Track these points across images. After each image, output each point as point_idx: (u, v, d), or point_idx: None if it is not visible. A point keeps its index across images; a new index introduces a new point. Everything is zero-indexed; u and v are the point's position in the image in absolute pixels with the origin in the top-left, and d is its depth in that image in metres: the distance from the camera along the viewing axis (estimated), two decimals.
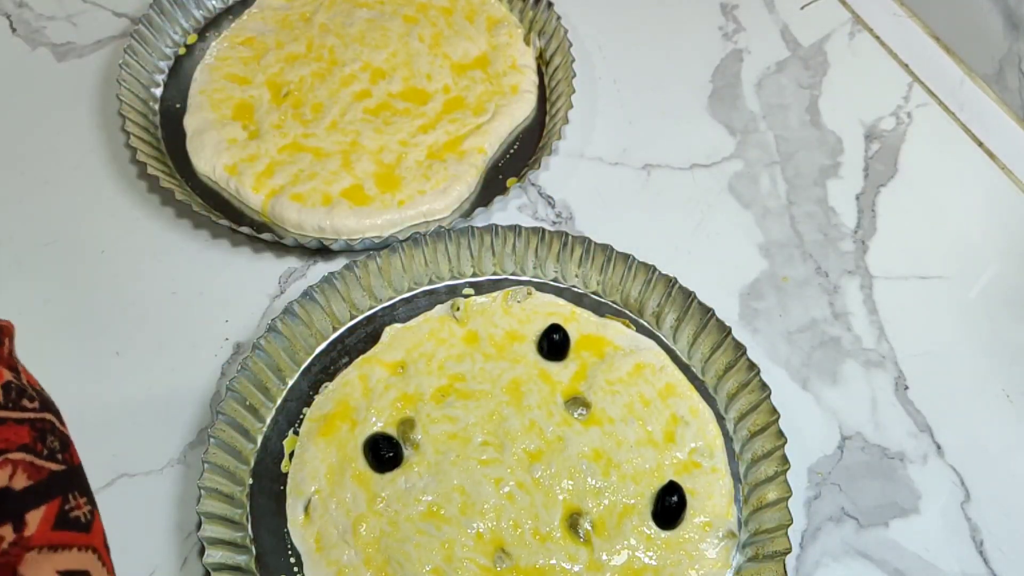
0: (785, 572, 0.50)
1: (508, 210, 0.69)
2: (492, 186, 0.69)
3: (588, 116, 0.75)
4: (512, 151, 0.72)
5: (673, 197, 0.70)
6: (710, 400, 0.58)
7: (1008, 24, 0.70)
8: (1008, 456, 0.58)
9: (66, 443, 0.33)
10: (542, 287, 0.63)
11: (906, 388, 0.61)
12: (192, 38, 0.78)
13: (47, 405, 0.33)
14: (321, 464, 0.55)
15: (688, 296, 0.60)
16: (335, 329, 0.61)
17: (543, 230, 0.62)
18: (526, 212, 0.69)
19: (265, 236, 0.64)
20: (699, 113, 0.76)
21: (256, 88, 0.73)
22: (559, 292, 0.63)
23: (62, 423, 0.34)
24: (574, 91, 0.72)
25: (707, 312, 0.59)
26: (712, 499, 0.54)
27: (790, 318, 0.64)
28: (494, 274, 0.64)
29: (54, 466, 0.31)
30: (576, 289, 0.64)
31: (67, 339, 0.62)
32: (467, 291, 0.63)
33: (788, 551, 0.51)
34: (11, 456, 0.30)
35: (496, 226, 0.63)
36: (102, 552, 0.32)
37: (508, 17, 0.79)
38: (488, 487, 0.54)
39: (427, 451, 0.55)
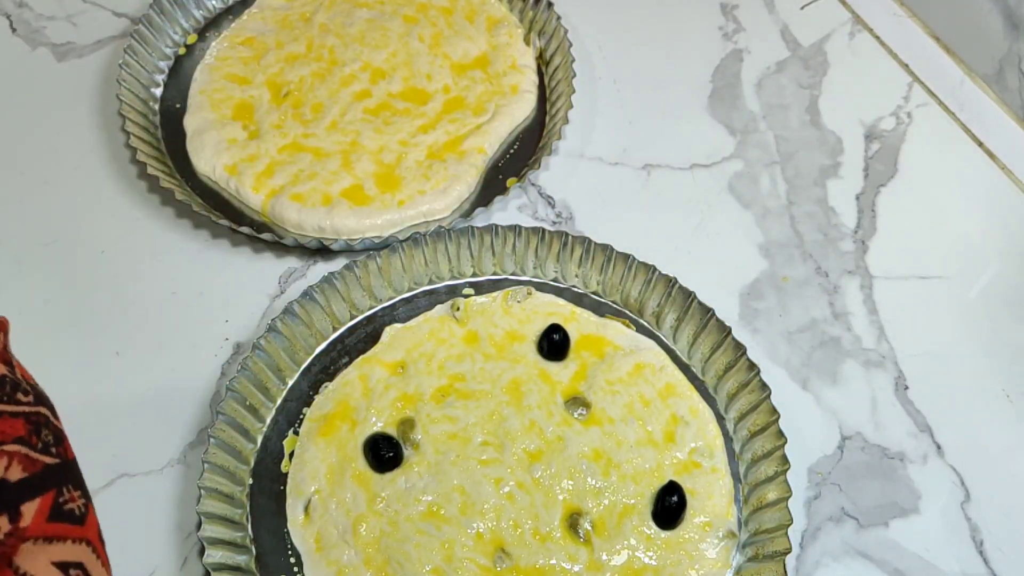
0: (785, 572, 0.50)
1: (508, 210, 0.69)
2: (492, 186, 0.69)
3: (588, 116, 0.75)
4: (512, 151, 0.72)
5: (673, 197, 0.70)
6: (710, 400, 0.58)
7: (1008, 24, 0.70)
8: (1008, 456, 0.58)
9: (60, 437, 0.33)
10: (542, 287, 0.63)
11: (906, 388, 0.61)
12: (192, 38, 0.78)
13: (41, 399, 0.33)
14: (321, 464, 0.55)
15: (688, 296, 0.60)
16: (335, 329, 0.61)
17: (543, 230, 0.62)
18: (526, 212, 0.69)
19: (265, 236, 0.64)
20: (699, 113, 0.76)
21: (256, 88, 0.73)
22: (559, 292, 0.63)
23: (56, 417, 0.34)
24: (574, 91, 0.72)
25: (707, 312, 0.59)
26: (712, 499, 0.54)
27: (790, 318, 0.64)
28: (494, 274, 0.64)
29: (48, 459, 0.31)
30: (576, 289, 0.64)
31: (67, 339, 0.62)
32: (467, 291, 0.63)
33: (788, 551, 0.51)
34: (6, 448, 0.30)
35: (496, 226, 0.63)
36: (96, 545, 0.32)
37: (508, 17, 0.79)
38: (488, 487, 0.54)
39: (427, 451, 0.55)
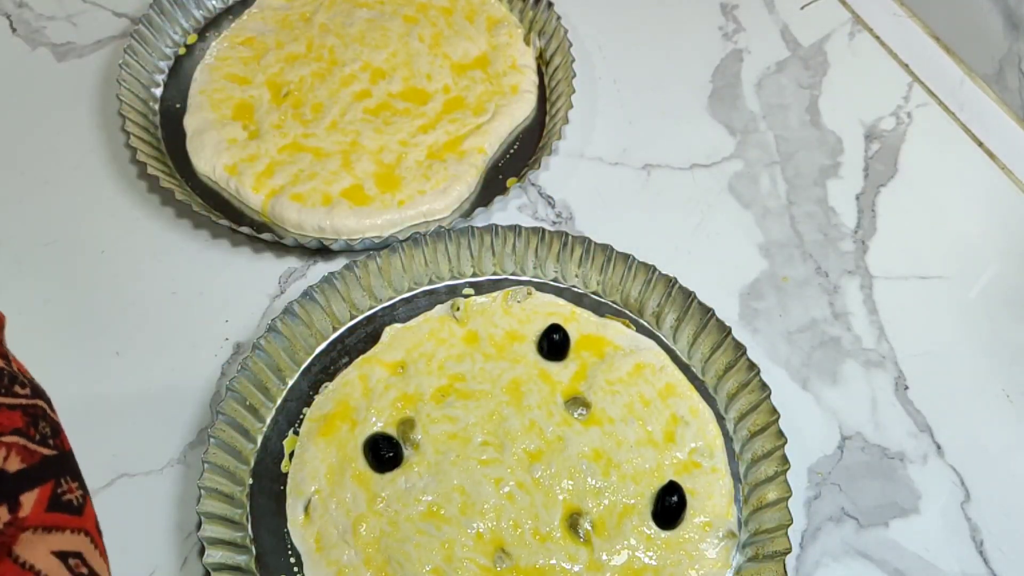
0: (785, 572, 0.50)
1: (508, 210, 0.69)
2: (492, 186, 0.69)
3: (588, 116, 0.75)
4: (512, 151, 0.72)
5: (673, 197, 0.70)
6: (710, 400, 0.58)
7: (1008, 24, 0.70)
8: (1008, 456, 0.58)
9: (57, 429, 0.33)
10: (542, 287, 0.63)
11: (906, 388, 0.61)
12: (192, 38, 0.78)
13: (38, 392, 0.33)
14: (321, 464, 0.55)
15: (688, 296, 0.60)
16: (335, 329, 0.61)
17: (543, 230, 0.62)
18: (526, 212, 0.69)
19: (265, 236, 0.64)
20: (699, 113, 0.76)
21: (256, 88, 0.73)
22: (559, 292, 0.63)
23: (52, 410, 0.34)
24: (574, 91, 0.72)
25: (707, 312, 0.59)
26: (712, 499, 0.54)
27: (790, 318, 0.64)
28: (494, 274, 0.64)
29: (46, 451, 0.32)
30: (576, 289, 0.64)
31: (67, 339, 0.62)
32: (467, 291, 0.63)
33: (788, 551, 0.51)
34: (4, 439, 0.30)
35: (496, 226, 0.63)
36: (94, 535, 0.32)
37: (508, 17, 0.79)
38: (488, 487, 0.54)
39: (427, 451, 0.55)
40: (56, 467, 0.32)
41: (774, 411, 0.55)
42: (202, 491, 0.52)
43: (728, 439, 0.57)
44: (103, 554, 0.32)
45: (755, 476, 0.55)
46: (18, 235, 0.67)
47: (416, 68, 0.74)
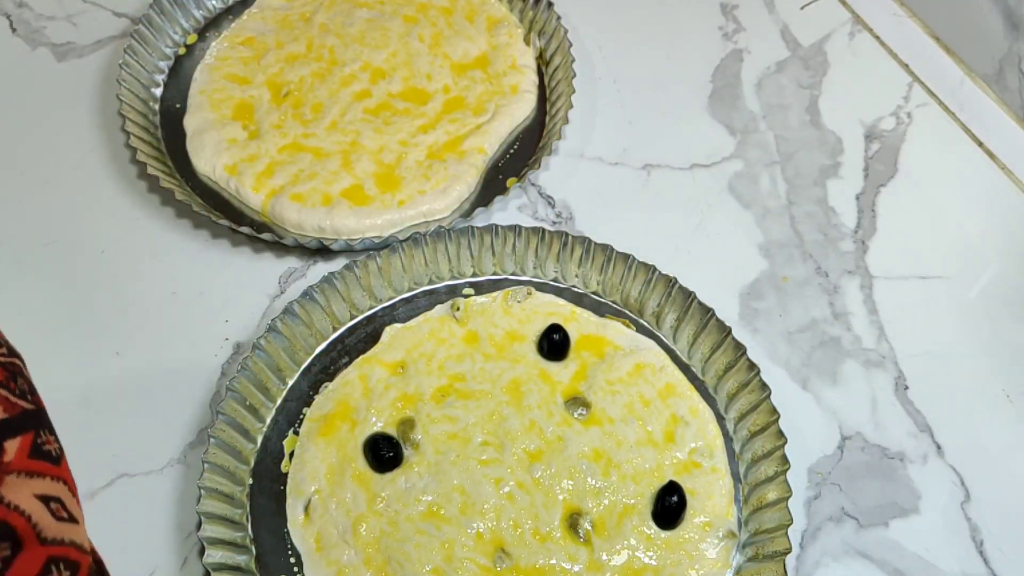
0: (785, 572, 0.50)
1: (508, 210, 0.69)
2: (492, 186, 0.69)
3: (588, 116, 0.75)
4: (512, 151, 0.72)
5: (673, 197, 0.70)
6: (710, 400, 0.58)
7: (1008, 24, 0.70)
8: (1008, 456, 0.58)
9: (32, 388, 0.34)
10: (542, 287, 0.63)
11: (906, 388, 0.61)
12: (192, 38, 0.78)
13: (13, 352, 0.35)
14: (321, 464, 0.55)
15: (688, 296, 0.60)
16: (335, 329, 0.61)
17: (543, 230, 0.62)
18: (526, 212, 0.69)
19: (265, 236, 0.64)
20: (699, 113, 0.76)
21: (256, 88, 0.73)
22: (559, 292, 0.63)
23: (26, 370, 0.35)
24: (574, 91, 0.72)
25: (707, 312, 0.59)
26: (712, 499, 0.54)
27: (790, 318, 0.64)
28: (494, 274, 0.64)
29: (26, 404, 0.33)
30: (576, 289, 0.64)
31: (67, 339, 0.62)
32: (467, 291, 0.63)
33: (788, 551, 0.51)
34: None
35: (496, 226, 0.63)
36: (71, 485, 0.33)
37: (508, 17, 0.79)
38: (488, 487, 0.54)
39: (427, 451, 0.55)
40: (35, 420, 0.33)
41: (774, 411, 0.55)
42: (202, 491, 0.52)
43: (728, 439, 0.57)
44: (78, 504, 0.33)
45: (755, 476, 0.55)
46: (18, 235, 0.67)
47: (416, 68, 0.74)
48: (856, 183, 0.71)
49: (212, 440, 0.54)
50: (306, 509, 0.54)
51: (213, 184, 0.69)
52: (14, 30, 0.80)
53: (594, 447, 0.55)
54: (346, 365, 0.59)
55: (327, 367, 0.60)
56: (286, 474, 0.55)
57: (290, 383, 0.59)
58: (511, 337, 0.60)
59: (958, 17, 0.76)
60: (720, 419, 0.58)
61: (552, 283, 0.64)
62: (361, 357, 0.60)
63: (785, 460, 0.54)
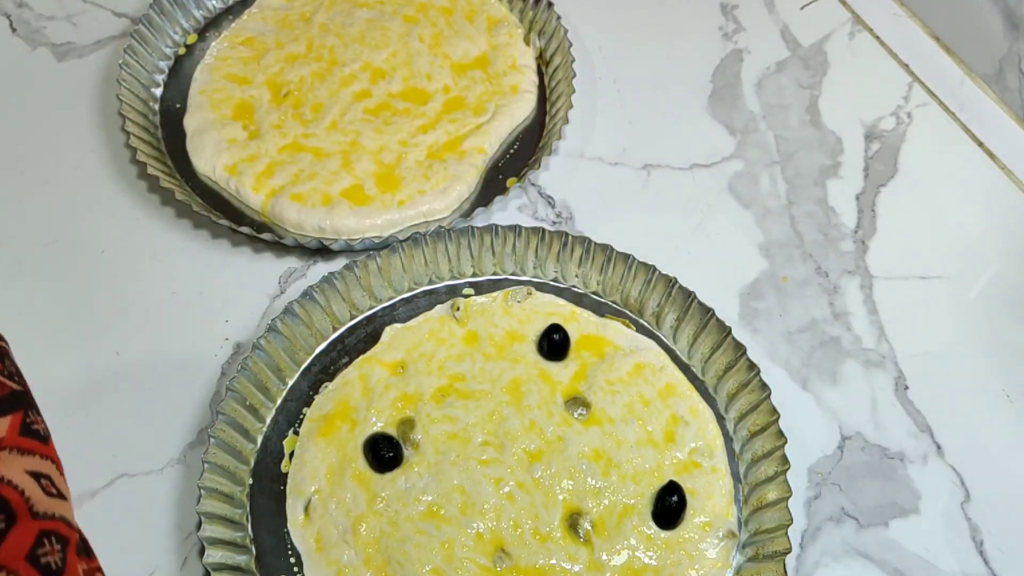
0: (785, 572, 0.50)
1: (508, 210, 0.69)
2: (492, 186, 0.69)
3: (588, 116, 0.75)
4: (512, 151, 0.72)
5: (673, 197, 0.70)
6: (710, 400, 0.58)
7: (1008, 24, 0.70)
8: (1008, 456, 0.58)
9: (18, 370, 0.35)
10: (542, 287, 0.63)
11: (906, 388, 0.61)
12: (192, 38, 0.78)
13: None
14: (321, 464, 0.55)
15: (688, 296, 0.60)
16: (335, 329, 0.61)
17: (543, 230, 0.62)
18: (526, 212, 0.69)
19: (265, 236, 0.64)
20: (699, 113, 0.76)
21: (256, 88, 0.73)
22: (559, 292, 0.63)
23: (11, 352, 0.36)
24: (574, 91, 0.72)
25: (707, 312, 0.59)
26: (712, 499, 0.54)
27: (790, 318, 0.64)
28: (494, 274, 0.64)
29: (14, 385, 0.34)
30: (576, 289, 0.64)
31: (67, 339, 0.62)
32: (467, 291, 0.63)
33: (788, 551, 0.51)
34: None
35: (496, 226, 0.63)
36: (58, 464, 0.34)
37: (508, 17, 0.79)
38: (488, 487, 0.54)
39: (427, 451, 0.55)
40: (23, 401, 0.34)
41: (774, 411, 0.55)
42: (202, 491, 0.52)
43: (728, 439, 0.57)
44: (65, 482, 0.34)
45: (755, 476, 0.55)
46: (18, 235, 0.67)
47: (416, 68, 0.74)
48: (856, 183, 0.71)
49: (212, 440, 0.54)
50: (306, 509, 0.54)
51: (213, 184, 0.69)
52: (14, 30, 0.80)
53: (594, 447, 0.55)
54: (346, 365, 0.59)
55: (327, 367, 0.60)
56: (286, 474, 0.55)
57: (290, 383, 0.59)
58: (511, 337, 0.60)
59: (958, 17, 0.76)
60: (720, 419, 0.58)
61: (552, 283, 0.64)
62: (361, 357, 0.60)
63: (785, 460, 0.54)
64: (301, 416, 0.58)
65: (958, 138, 0.74)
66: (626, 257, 0.61)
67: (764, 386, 0.56)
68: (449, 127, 0.71)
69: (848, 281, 0.66)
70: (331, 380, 0.59)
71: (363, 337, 0.61)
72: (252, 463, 0.56)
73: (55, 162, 0.71)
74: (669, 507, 0.53)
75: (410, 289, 0.63)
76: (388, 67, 0.74)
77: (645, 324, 0.62)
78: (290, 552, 0.53)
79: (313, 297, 0.60)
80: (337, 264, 0.65)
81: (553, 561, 0.52)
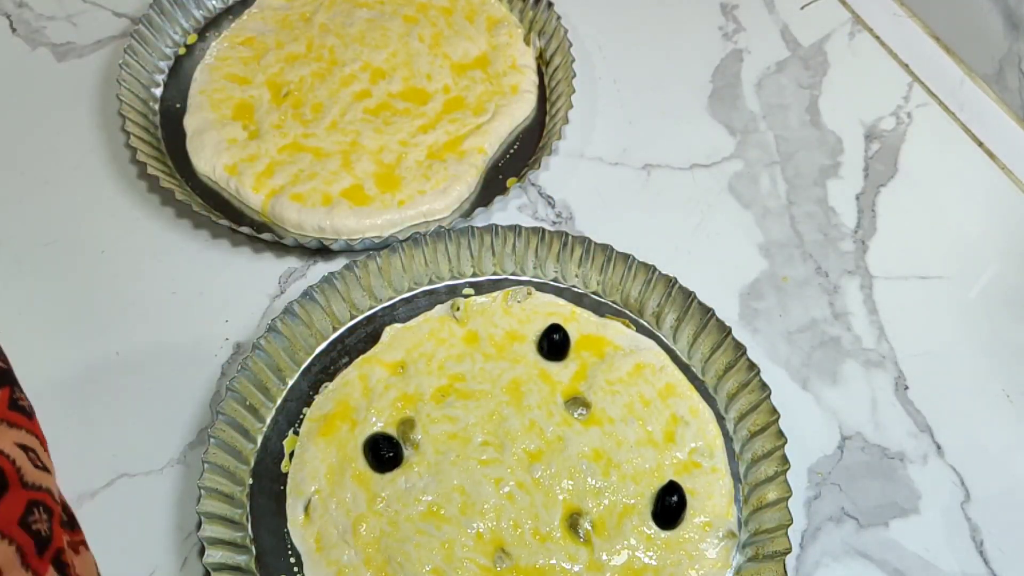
0: (785, 572, 0.50)
1: (508, 210, 0.69)
2: (492, 186, 0.69)
3: (588, 116, 0.75)
4: (512, 151, 0.72)
5: (673, 197, 0.70)
6: (710, 400, 0.58)
7: (1008, 24, 0.70)
8: (1008, 456, 0.58)
9: (2, 353, 0.36)
10: (542, 287, 0.63)
11: (906, 388, 0.61)
12: (192, 38, 0.78)
13: None
14: (321, 464, 0.55)
15: (688, 296, 0.60)
16: (335, 329, 0.61)
17: (543, 230, 0.62)
18: (526, 212, 0.69)
19: (265, 236, 0.64)
20: (699, 113, 0.76)
21: (256, 88, 0.73)
22: (559, 292, 0.63)
23: None
24: (574, 91, 0.72)
25: (707, 312, 0.59)
26: (712, 499, 0.54)
27: (790, 318, 0.64)
28: (494, 274, 0.64)
29: (0, 363, 0.35)
30: (576, 289, 0.64)
31: (67, 339, 0.62)
32: (467, 291, 0.63)
33: (788, 551, 0.51)
34: None
35: (496, 226, 0.63)
36: (42, 440, 0.35)
37: (508, 17, 0.79)
38: (488, 487, 0.54)
39: (427, 451, 0.55)
40: (9, 377, 0.34)
41: (774, 411, 0.55)
42: (202, 491, 0.52)
43: (728, 439, 0.57)
44: (49, 458, 0.35)
45: (755, 476, 0.55)
46: (18, 235, 0.67)
47: (416, 68, 0.74)
48: (856, 183, 0.71)
49: (212, 440, 0.54)
50: (306, 509, 0.54)
51: (213, 184, 0.69)
52: (14, 30, 0.80)
53: (594, 447, 0.55)
54: (346, 365, 0.59)
55: (327, 367, 0.60)
56: (286, 474, 0.55)
57: (290, 383, 0.59)
58: (511, 337, 0.60)
59: (958, 17, 0.76)
60: (720, 419, 0.58)
61: (552, 283, 0.64)
62: (361, 357, 0.60)
63: (785, 460, 0.54)
64: (301, 416, 0.58)
65: (958, 138, 0.74)
66: (626, 257, 0.61)
67: (764, 386, 0.56)
68: (449, 127, 0.71)
69: (848, 281, 0.66)
70: (331, 380, 0.59)
71: (363, 337, 0.61)
72: (252, 463, 0.56)
73: (55, 162, 0.71)
74: (669, 507, 0.53)
75: (410, 289, 0.63)
76: (388, 67, 0.74)
77: (645, 324, 0.62)
78: (290, 552, 0.53)
79: (313, 297, 0.60)
80: (337, 264, 0.65)
81: (553, 561, 0.52)
